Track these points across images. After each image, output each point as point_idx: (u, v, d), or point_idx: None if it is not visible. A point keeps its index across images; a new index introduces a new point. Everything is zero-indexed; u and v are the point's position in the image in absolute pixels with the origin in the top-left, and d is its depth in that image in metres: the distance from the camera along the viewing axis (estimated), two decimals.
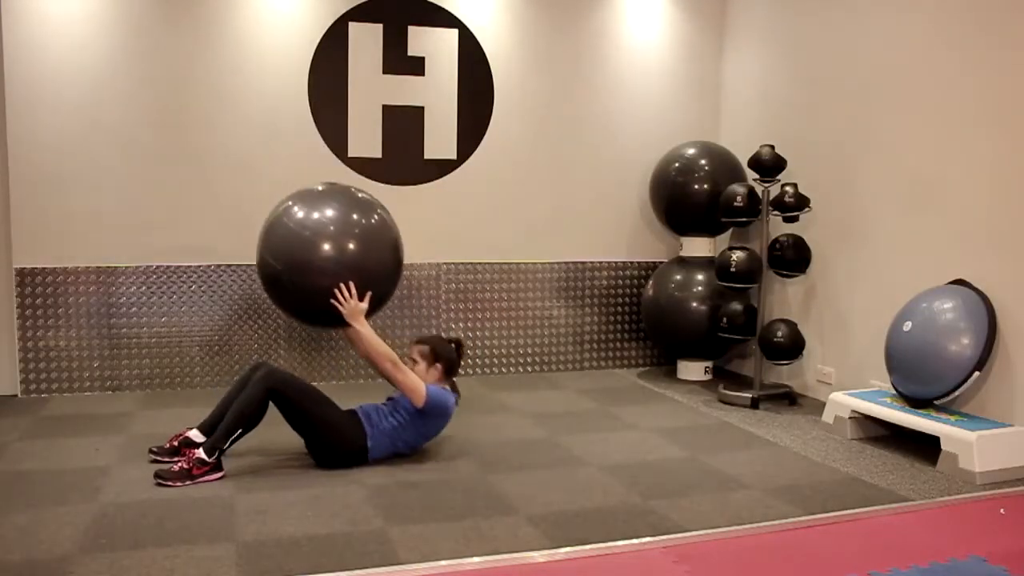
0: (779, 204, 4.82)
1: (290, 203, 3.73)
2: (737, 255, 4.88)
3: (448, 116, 5.35)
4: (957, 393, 3.89)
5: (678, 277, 5.41)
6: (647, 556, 2.78)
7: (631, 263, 5.82)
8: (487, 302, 5.51)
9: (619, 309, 5.82)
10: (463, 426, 4.26)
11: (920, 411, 3.94)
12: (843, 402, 4.24)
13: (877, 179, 4.60)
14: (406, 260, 5.31)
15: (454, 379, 3.89)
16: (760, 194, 4.92)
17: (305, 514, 3.07)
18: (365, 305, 3.61)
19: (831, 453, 3.95)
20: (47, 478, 3.41)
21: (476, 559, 2.72)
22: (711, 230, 5.46)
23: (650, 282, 5.58)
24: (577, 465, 3.71)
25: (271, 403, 3.47)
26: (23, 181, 4.68)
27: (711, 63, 5.89)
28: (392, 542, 2.84)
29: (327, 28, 5.09)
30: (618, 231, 5.79)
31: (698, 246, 5.49)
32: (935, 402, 3.97)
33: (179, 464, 3.39)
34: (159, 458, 3.60)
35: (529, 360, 5.64)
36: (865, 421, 4.20)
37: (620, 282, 5.81)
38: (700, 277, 5.34)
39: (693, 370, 5.49)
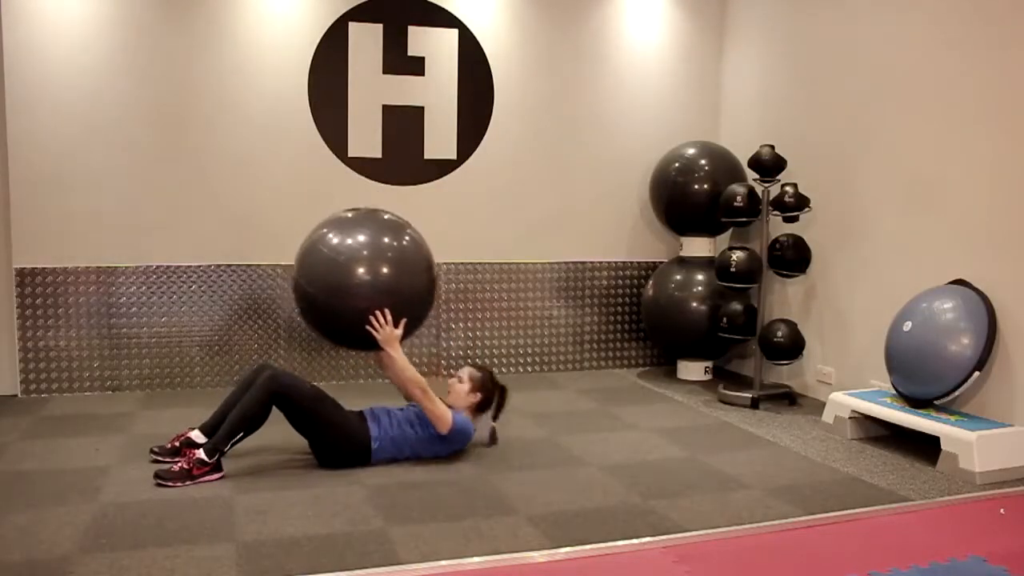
0: (779, 204, 4.82)
1: (325, 229, 3.76)
2: (737, 255, 4.88)
3: (448, 116, 5.35)
4: (957, 393, 3.89)
5: (678, 277, 5.41)
6: (647, 556, 2.78)
7: (631, 263, 5.82)
8: (487, 302, 5.51)
9: (619, 309, 5.82)
10: None
11: (920, 411, 3.94)
12: (843, 402, 4.24)
13: (877, 179, 4.60)
14: None
15: (493, 424, 3.94)
16: (760, 194, 4.92)
17: (305, 514, 3.07)
18: (400, 332, 3.63)
19: (831, 453, 3.95)
20: (47, 478, 3.41)
21: (476, 559, 2.72)
22: (711, 230, 5.46)
23: (650, 282, 5.58)
24: (577, 465, 3.71)
25: (274, 406, 3.48)
26: (23, 181, 4.68)
27: (711, 63, 5.89)
28: (392, 542, 2.84)
29: (327, 28, 5.09)
30: (618, 231, 5.79)
31: (698, 246, 5.49)
32: (935, 402, 3.97)
33: (179, 464, 3.38)
34: (160, 458, 3.60)
35: (529, 360, 5.64)
36: (865, 421, 4.20)
37: (620, 282, 5.81)
38: (700, 277, 5.34)
39: (693, 370, 5.49)
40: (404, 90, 5.25)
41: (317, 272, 3.64)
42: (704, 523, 3.06)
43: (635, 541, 2.89)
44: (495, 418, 3.92)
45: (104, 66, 4.75)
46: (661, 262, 5.77)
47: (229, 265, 5.03)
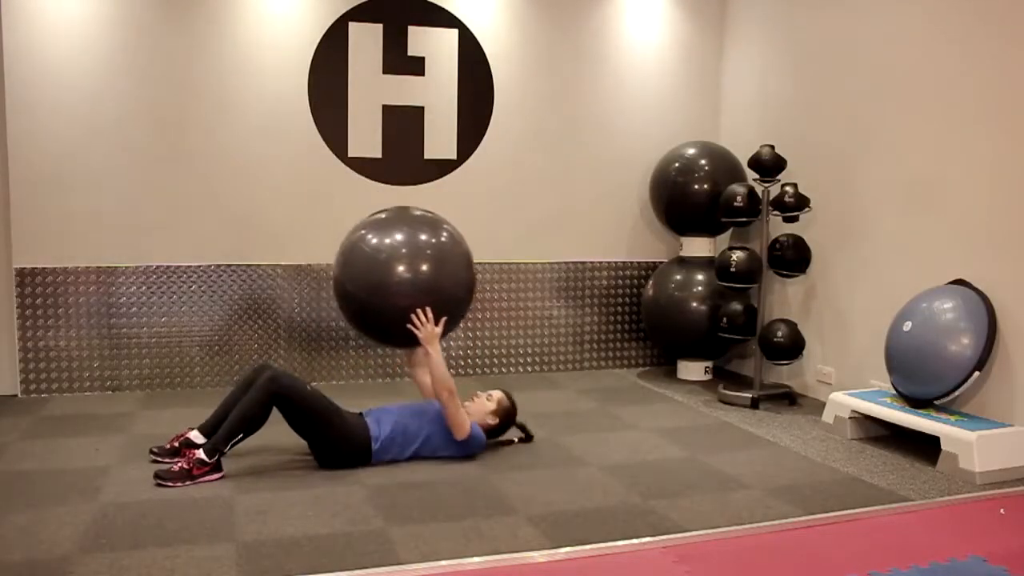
0: (779, 204, 4.82)
1: (364, 231, 3.82)
2: (737, 255, 4.88)
3: (448, 116, 5.35)
4: (957, 393, 3.89)
5: (678, 277, 5.41)
6: (647, 556, 2.78)
7: (631, 263, 5.82)
8: (487, 302, 5.51)
9: (619, 309, 5.82)
10: None
11: (920, 411, 3.94)
12: (843, 402, 4.24)
13: (877, 179, 4.60)
14: None
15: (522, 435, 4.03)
16: (760, 194, 4.92)
17: (305, 514, 3.07)
18: (440, 330, 3.67)
19: (831, 453, 3.95)
20: (47, 478, 3.41)
21: (476, 559, 2.72)
22: (711, 230, 5.46)
23: (650, 282, 5.58)
24: (577, 465, 3.70)
25: (274, 407, 3.48)
26: (23, 181, 4.68)
27: (711, 63, 5.89)
28: (392, 542, 2.84)
29: (327, 28, 5.09)
30: (618, 231, 5.79)
31: (698, 246, 5.49)
32: (935, 402, 3.97)
33: (179, 464, 3.38)
34: (159, 459, 3.60)
35: (529, 360, 5.64)
36: (865, 421, 4.20)
37: (620, 282, 5.81)
38: (700, 277, 5.34)
39: (693, 370, 5.49)
40: (404, 90, 5.25)
41: (358, 271, 3.71)
42: (704, 523, 3.06)
43: (635, 541, 2.88)
44: (525, 439, 4.02)
45: (104, 66, 4.75)
46: (661, 262, 5.77)
47: (229, 265, 5.03)
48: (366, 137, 5.21)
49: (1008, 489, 3.48)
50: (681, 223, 5.49)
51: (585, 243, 5.70)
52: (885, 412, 4.02)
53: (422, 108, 5.30)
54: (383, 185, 5.22)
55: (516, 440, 4.00)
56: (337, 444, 3.57)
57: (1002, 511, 3.23)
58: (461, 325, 5.44)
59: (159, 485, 3.31)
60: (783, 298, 5.33)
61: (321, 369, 5.21)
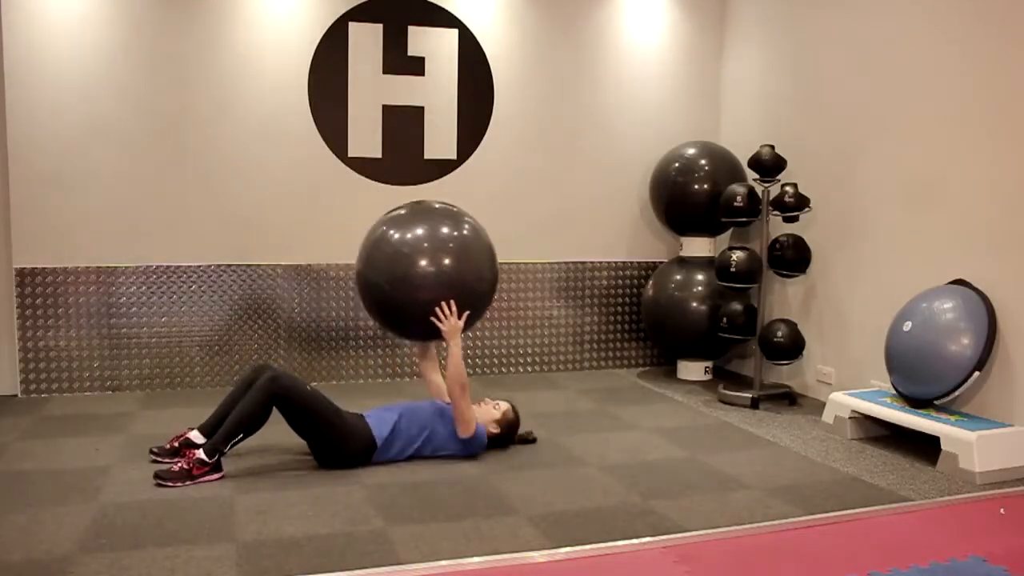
0: (779, 204, 4.82)
1: (386, 226, 3.81)
2: (737, 255, 4.88)
3: (448, 116, 5.35)
4: (957, 393, 3.89)
5: (678, 277, 5.41)
6: (647, 556, 2.78)
7: (631, 263, 5.82)
8: None
9: (619, 309, 5.82)
10: None
11: (920, 411, 3.94)
12: (843, 402, 4.24)
13: (877, 179, 4.60)
14: None
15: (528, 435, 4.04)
16: (760, 194, 4.92)
17: (305, 514, 3.07)
18: (462, 323, 3.69)
19: (831, 453, 3.95)
20: (47, 478, 3.41)
21: (476, 559, 2.72)
22: (711, 230, 5.46)
23: (650, 282, 5.58)
24: (577, 465, 3.71)
25: (274, 407, 3.48)
26: (23, 181, 4.68)
27: (711, 63, 5.89)
28: (392, 542, 2.84)
29: (327, 28, 5.09)
30: (618, 231, 5.79)
31: (698, 246, 5.49)
32: (935, 402, 3.97)
33: (179, 464, 3.38)
34: (159, 459, 3.60)
35: (529, 360, 5.64)
36: (865, 421, 4.20)
37: (620, 282, 5.81)
38: (700, 277, 5.34)
39: (693, 370, 5.49)
40: (404, 90, 5.25)
41: (383, 263, 3.71)
42: (704, 523, 3.06)
43: (635, 541, 2.89)
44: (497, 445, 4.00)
45: (104, 66, 4.75)
46: (661, 262, 5.77)
47: (229, 265, 5.03)
48: (366, 137, 5.21)
49: (1008, 489, 3.48)
50: (681, 223, 5.49)
51: (585, 243, 5.70)
52: (885, 412, 4.02)
53: (422, 108, 5.30)
54: (383, 185, 5.22)
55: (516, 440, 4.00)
56: (337, 444, 3.57)
57: (1002, 511, 3.23)
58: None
59: (159, 485, 3.31)
60: (783, 298, 5.33)
61: (321, 369, 5.21)
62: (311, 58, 5.07)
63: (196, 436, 3.62)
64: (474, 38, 5.36)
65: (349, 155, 5.18)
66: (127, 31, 4.77)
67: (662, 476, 3.57)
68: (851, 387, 4.61)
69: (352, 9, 5.11)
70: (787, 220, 4.88)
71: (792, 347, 4.79)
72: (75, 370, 4.82)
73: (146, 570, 2.61)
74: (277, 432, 3.61)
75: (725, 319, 5.00)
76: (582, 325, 5.74)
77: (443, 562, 2.69)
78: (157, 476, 3.34)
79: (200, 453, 3.40)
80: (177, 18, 4.84)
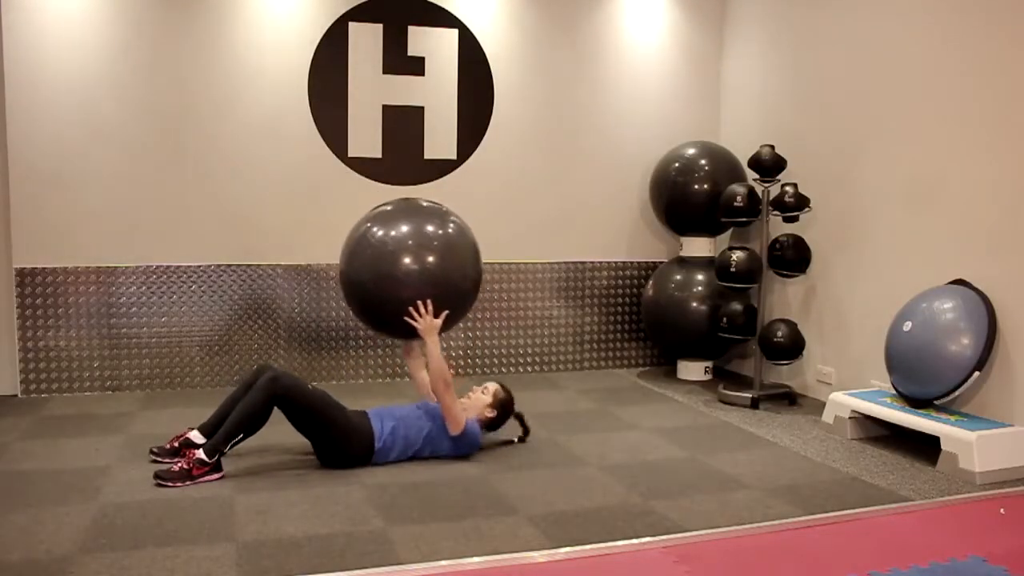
0: (779, 204, 4.82)
1: (370, 223, 3.79)
2: (737, 255, 4.88)
3: (448, 116, 5.35)
4: (957, 393, 3.89)
5: (678, 277, 5.41)
6: (647, 556, 2.78)
7: (631, 263, 5.82)
8: (487, 302, 5.51)
9: (619, 309, 5.82)
10: None
11: (920, 411, 3.94)
12: (843, 402, 4.24)
13: (877, 179, 4.60)
14: None
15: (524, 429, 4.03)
16: (760, 194, 4.92)
17: (306, 514, 3.07)
18: (439, 322, 3.65)
19: (831, 453, 3.95)
20: (47, 478, 3.41)
21: (476, 559, 2.72)
22: (711, 230, 5.46)
23: (650, 282, 5.58)
24: (577, 465, 3.70)
25: (276, 407, 3.48)
26: (23, 181, 4.68)
27: (711, 63, 5.89)
28: (392, 542, 2.84)
29: (327, 28, 5.09)
30: (618, 231, 5.79)
31: (698, 246, 5.49)
32: (935, 402, 3.97)
33: (179, 464, 3.38)
34: (159, 459, 3.60)
35: (529, 360, 5.64)
36: (865, 421, 4.20)
37: (620, 282, 5.81)
38: (700, 277, 5.34)
39: (693, 370, 5.49)
40: (404, 90, 5.25)
41: (365, 260, 3.69)
42: (704, 523, 3.06)
43: (635, 541, 2.89)
44: (523, 438, 4.01)
45: (104, 66, 4.75)
46: (661, 262, 5.77)
47: (229, 265, 5.03)
48: (366, 137, 5.21)
49: (1008, 489, 3.48)
50: (681, 223, 5.49)
51: (585, 243, 5.70)
52: (885, 412, 4.02)
53: (422, 108, 5.30)
54: (383, 185, 5.22)
55: (516, 440, 4.00)
56: (340, 443, 3.57)
57: (1002, 511, 3.23)
58: (461, 325, 5.44)
59: (159, 485, 3.31)
60: (783, 298, 5.33)
61: (321, 369, 5.21)
62: (311, 58, 5.07)
63: (196, 436, 3.62)
64: (474, 38, 5.36)
65: (349, 155, 5.18)
66: (127, 31, 4.77)
67: (662, 476, 3.57)
68: (851, 387, 4.61)
69: (352, 9, 5.11)
70: (787, 220, 4.88)
71: (792, 347, 4.79)
72: (75, 370, 4.82)
73: (146, 570, 2.61)
74: (277, 432, 3.62)
75: (725, 319, 5.00)
76: (582, 325, 5.74)
77: (443, 562, 2.69)
78: (157, 476, 3.34)
79: (200, 453, 3.40)
80: (177, 18, 4.84)
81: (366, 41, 5.16)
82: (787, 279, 5.12)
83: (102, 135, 4.77)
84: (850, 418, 4.20)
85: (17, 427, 4.14)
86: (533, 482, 3.47)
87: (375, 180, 5.22)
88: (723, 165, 5.39)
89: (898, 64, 4.46)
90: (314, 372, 5.17)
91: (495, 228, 5.49)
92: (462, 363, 5.48)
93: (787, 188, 4.79)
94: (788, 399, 4.91)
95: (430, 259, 3.67)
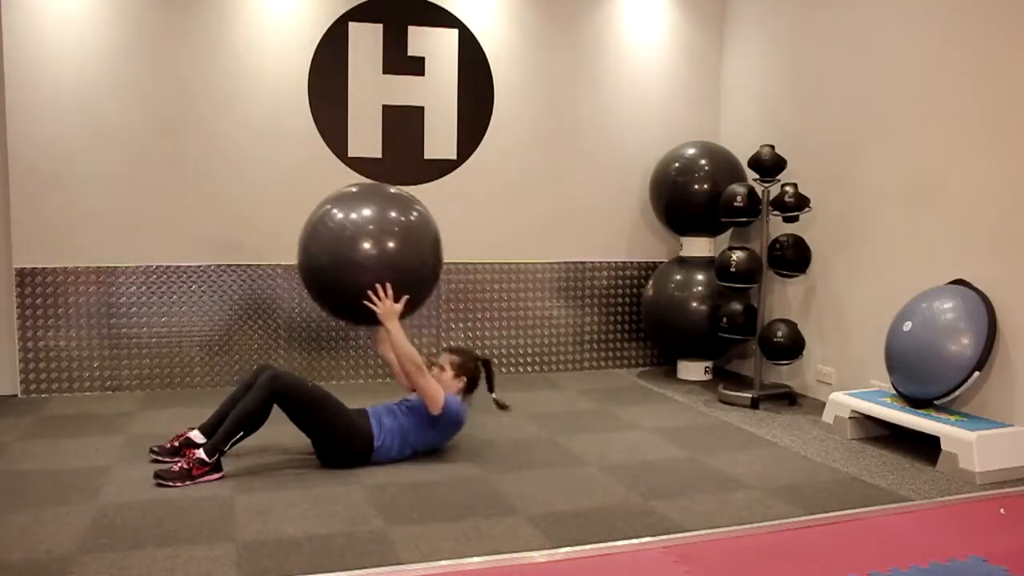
0: (779, 204, 4.82)
1: (330, 206, 3.75)
2: (737, 255, 4.88)
3: (448, 116, 5.35)
4: (957, 393, 3.89)
5: (678, 277, 5.41)
6: (647, 556, 2.78)
7: (631, 263, 5.82)
8: (487, 302, 5.51)
9: (619, 309, 5.82)
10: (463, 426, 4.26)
11: (920, 411, 3.94)
12: (843, 402, 4.24)
13: (877, 179, 4.60)
14: None
15: (494, 397, 3.91)
16: (760, 194, 4.92)
17: (306, 514, 3.07)
18: (399, 307, 3.62)
19: (831, 453, 3.95)
20: (47, 478, 3.41)
21: (476, 559, 2.72)
22: (711, 230, 5.46)
23: (650, 282, 5.58)
24: (577, 465, 3.70)
25: (276, 405, 3.47)
26: (23, 181, 4.68)
27: (711, 63, 5.89)
28: (392, 542, 2.84)
29: (327, 28, 5.09)
30: (618, 231, 5.79)
31: (698, 246, 5.49)
32: (935, 402, 3.97)
33: (179, 464, 3.38)
34: (160, 458, 3.60)
35: (529, 360, 5.64)
36: (865, 421, 4.20)
37: (620, 282, 5.81)
38: (700, 277, 5.34)
39: (693, 370, 5.49)
40: (404, 90, 5.25)
41: (323, 243, 3.64)
42: (704, 523, 3.06)
43: (635, 541, 2.89)
44: (491, 390, 3.90)
45: (104, 66, 4.75)
46: (661, 262, 5.77)
47: (229, 265, 5.03)
48: (366, 137, 5.21)
49: (1008, 489, 3.48)
50: (681, 223, 5.49)
51: (585, 243, 5.70)
52: (885, 412, 4.02)
53: (422, 108, 5.30)
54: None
55: (496, 406, 3.89)
56: (341, 442, 3.57)
57: (1002, 511, 3.23)
58: (460, 326, 5.45)
59: (159, 485, 3.31)
60: (783, 298, 5.33)
61: (321, 369, 5.21)
62: (311, 58, 5.08)
63: (196, 436, 3.62)
64: (474, 38, 5.36)
65: (349, 155, 5.18)
66: (127, 31, 4.77)
67: (662, 476, 3.57)
68: (851, 387, 4.61)
69: (352, 9, 5.11)
70: (787, 220, 4.88)
71: (792, 347, 4.79)
72: (75, 370, 4.82)
73: (146, 570, 2.61)
74: (277, 432, 3.62)
75: (725, 319, 5.00)
76: (582, 325, 5.74)
77: (443, 562, 2.69)
78: (157, 476, 3.34)
79: (200, 453, 3.40)
80: (177, 18, 4.84)
81: (366, 41, 5.16)
82: (787, 279, 5.12)
83: (102, 135, 4.78)
84: (850, 418, 4.20)
85: (17, 427, 4.14)
86: (533, 482, 3.47)
87: (375, 180, 5.21)
88: (723, 165, 5.39)
89: (898, 64, 4.46)
90: (314, 372, 5.17)
91: (495, 228, 5.49)
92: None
93: (787, 188, 4.79)
94: (788, 399, 4.91)
95: (390, 243, 3.61)
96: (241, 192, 5.01)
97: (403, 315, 3.65)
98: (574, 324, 5.73)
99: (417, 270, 3.71)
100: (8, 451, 3.76)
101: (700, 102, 5.88)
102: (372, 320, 3.64)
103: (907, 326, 3.98)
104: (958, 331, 3.83)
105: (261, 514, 3.06)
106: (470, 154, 5.42)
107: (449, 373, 3.79)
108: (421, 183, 5.32)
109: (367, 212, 3.67)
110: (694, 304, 5.28)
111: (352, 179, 5.15)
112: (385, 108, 5.23)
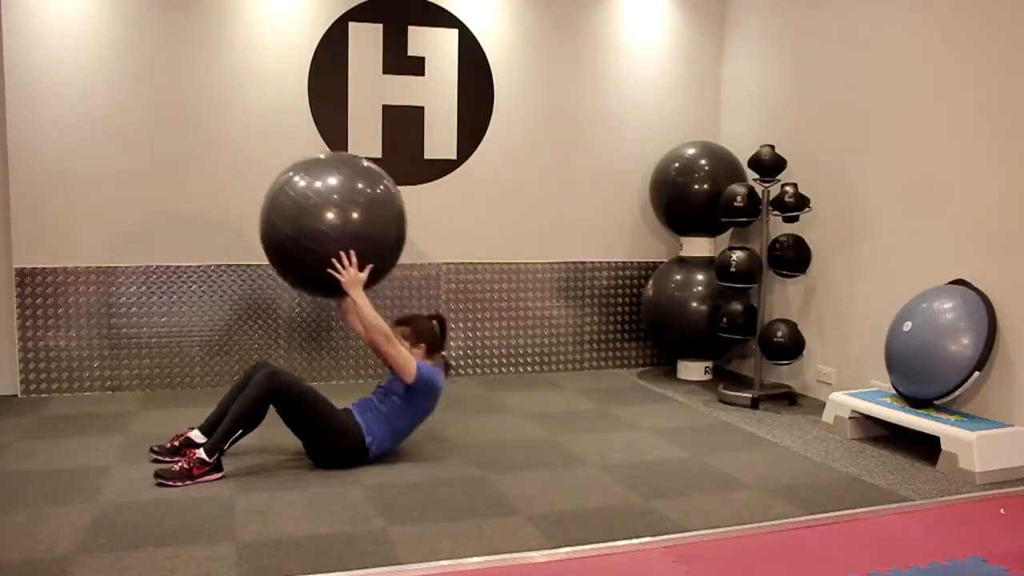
0: (779, 204, 4.82)
1: (292, 172, 3.75)
2: (737, 255, 4.88)
3: (448, 116, 5.35)
4: (957, 393, 3.89)
5: (678, 277, 5.41)
6: (647, 556, 2.78)
7: (631, 263, 5.82)
8: (487, 302, 5.51)
9: (619, 309, 5.82)
10: (464, 426, 4.27)
11: (920, 411, 3.94)
12: (843, 402, 4.24)
13: (877, 179, 4.60)
14: (407, 260, 5.33)
15: (443, 354, 3.86)
16: (760, 194, 4.92)
17: (305, 514, 3.07)
18: (364, 276, 3.59)
19: (831, 453, 3.95)
20: (47, 478, 3.41)
21: (476, 559, 2.72)
22: (711, 230, 5.46)
23: (650, 282, 5.58)
24: (577, 465, 3.71)
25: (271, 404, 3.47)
26: (23, 181, 4.68)
27: (711, 63, 5.89)
28: (392, 542, 2.84)
29: (327, 28, 5.09)
30: (618, 231, 5.79)
31: (698, 246, 5.49)
32: (935, 402, 3.97)
33: (179, 464, 3.38)
34: (160, 458, 3.60)
35: (529, 360, 5.64)
36: (865, 421, 4.20)
37: (620, 282, 5.81)
38: (700, 277, 5.34)
39: (693, 370, 5.49)
40: (404, 90, 5.25)
41: (287, 212, 3.63)
42: (704, 523, 3.06)
43: (635, 541, 2.89)
44: (442, 349, 3.85)
45: (104, 66, 4.75)
46: (661, 262, 5.77)
47: (229, 265, 5.03)
48: (366, 137, 5.21)
49: (1008, 489, 3.48)
50: (681, 223, 5.49)
51: (585, 243, 5.70)
52: (885, 412, 4.02)
53: (422, 108, 5.30)
54: None
55: (445, 363, 3.85)
56: (334, 444, 3.56)
57: (1002, 511, 3.23)
58: (460, 326, 5.45)
59: (159, 484, 3.31)
60: (783, 298, 5.33)
61: (321, 369, 5.21)
62: (311, 58, 5.07)
63: (196, 436, 3.62)
64: (474, 38, 5.36)
65: None
66: (127, 31, 4.77)
67: (662, 476, 3.57)
68: (851, 387, 4.61)
69: (352, 9, 5.11)
70: (787, 220, 4.88)
71: (792, 347, 4.79)
72: (75, 370, 4.82)
73: (146, 570, 2.61)
74: (277, 432, 3.62)
75: (725, 319, 5.00)
76: (582, 325, 5.74)
77: (443, 562, 2.69)
78: (157, 475, 3.34)
79: (200, 452, 3.40)
80: (177, 18, 4.84)
81: (366, 41, 5.16)
82: (787, 279, 5.12)
83: (102, 135, 4.77)
84: (850, 418, 4.20)
85: (17, 427, 4.14)
86: (533, 482, 3.47)
87: None
88: (723, 165, 5.39)
89: (898, 64, 4.46)
90: (314, 372, 5.17)
91: (495, 228, 5.49)
92: (462, 363, 5.48)
93: (787, 188, 4.79)
94: (788, 399, 4.91)
95: (354, 213, 3.60)
96: (241, 192, 5.01)
97: (368, 284, 3.62)
98: (574, 324, 5.73)
99: (381, 239, 3.68)
100: (8, 451, 3.76)
101: (700, 102, 5.88)
102: (337, 290, 3.62)
103: (907, 326, 3.98)
104: (958, 331, 3.83)
105: (261, 514, 3.06)
106: (470, 154, 5.42)
107: (407, 344, 3.70)
108: (421, 183, 5.32)
109: (332, 181, 3.67)
110: (694, 304, 5.28)
111: None
112: (385, 108, 5.23)
